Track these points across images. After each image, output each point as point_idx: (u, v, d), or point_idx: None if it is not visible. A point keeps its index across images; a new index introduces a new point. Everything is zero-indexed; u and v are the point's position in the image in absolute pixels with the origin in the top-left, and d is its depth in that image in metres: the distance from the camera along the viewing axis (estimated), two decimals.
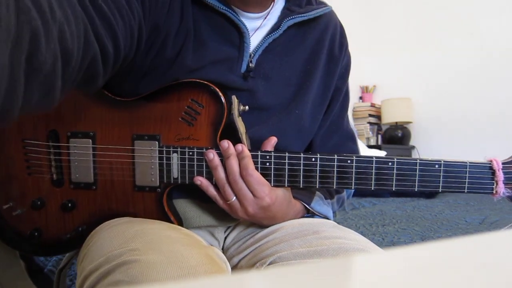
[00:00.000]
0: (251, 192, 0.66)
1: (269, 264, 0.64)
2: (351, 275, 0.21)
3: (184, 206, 0.75)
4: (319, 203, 0.77)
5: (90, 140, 0.71)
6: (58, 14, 0.47)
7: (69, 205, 0.73)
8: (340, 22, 0.87)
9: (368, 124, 4.02)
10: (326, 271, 0.21)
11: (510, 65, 3.42)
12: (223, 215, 0.74)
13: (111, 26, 0.58)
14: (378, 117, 4.13)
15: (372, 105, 4.07)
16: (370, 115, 4.05)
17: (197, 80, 0.69)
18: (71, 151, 0.72)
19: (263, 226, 0.74)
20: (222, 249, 0.78)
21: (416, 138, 4.00)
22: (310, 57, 0.80)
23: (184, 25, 0.71)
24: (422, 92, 3.94)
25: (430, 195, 2.32)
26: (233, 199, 0.67)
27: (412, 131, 4.00)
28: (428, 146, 3.91)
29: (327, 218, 0.79)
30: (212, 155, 0.67)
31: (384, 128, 4.14)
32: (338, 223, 0.75)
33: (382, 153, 3.35)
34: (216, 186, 0.68)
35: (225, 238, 0.78)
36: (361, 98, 4.25)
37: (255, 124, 0.74)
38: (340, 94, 0.85)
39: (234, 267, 0.72)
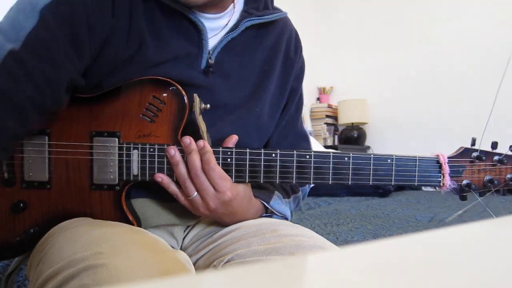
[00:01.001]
0: (213, 186, 0.66)
1: (226, 263, 0.64)
2: (306, 273, 0.21)
3: (142, 205, 0.74)
4: (277, 202, 0.78)
5: (46, 137, 0.69)
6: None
7: (20, 205, 0.69)
8: (295, 29, 0.91)
9: (325, 125, 4.09)
10: (283, 268, 0.21)
11: (460, 68, 3.58)
12: (182, 214, 0.74)
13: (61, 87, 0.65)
14: (335, 117, 4.21)
15: (329, 106, 4.14)
16: (327, 116, 4.12)
17: (159, 78, 0.69)
18: (24, 148, 0.69)
19: (223, 225, 0.74)
20: (181, 248, 0.77)
21: (371, 138, 4.11)
22: (268, 57, 0.82)
23: (136, 24, 0.71)
24: (377, 94, 4.05)
25: (383, 194, 2.39)
26: (195, 195, 0.67)
27: (368, 132, 4.11)
28: (383, 146, 4.03)
29: (285, 218, 0.80)
30: (174, 151, 0.67)
31: (340, 128, 4.22)
32: (294, 223, 0.76)
33: None
34: (177, 183, 0.68)
35: (184, 237, 0.78)
36: (318, 99, 4.31)
37: (216, 123, 0.75)
38: (295, 95, 0.88)
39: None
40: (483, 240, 0.28)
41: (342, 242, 1.29)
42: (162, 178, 0.68)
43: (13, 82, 0.60)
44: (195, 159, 0.66)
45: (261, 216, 0.78)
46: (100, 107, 0.70)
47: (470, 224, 0.30)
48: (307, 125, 4.01)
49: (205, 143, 0.66)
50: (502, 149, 0.75)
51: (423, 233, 0.27)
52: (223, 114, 0.76)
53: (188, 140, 0.66)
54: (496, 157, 0.75)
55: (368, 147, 4.08)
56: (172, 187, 0.68)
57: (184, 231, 0.78)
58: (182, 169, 0.67)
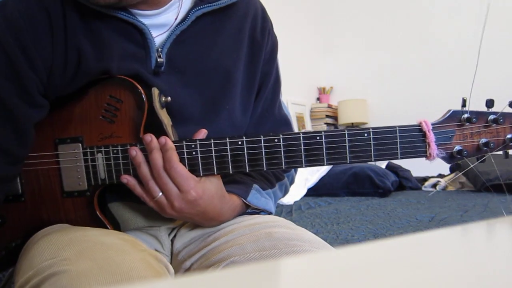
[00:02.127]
0: (176, 186, 0.63)
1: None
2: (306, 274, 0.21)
3: (120, 208, 0.73)
4: (256, 197, 0.74)
5: None
6: None
7: None
8: (261, 5, 0.83)
9: (325, 125, 4.09)
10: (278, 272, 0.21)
11: (463, 68, 3.57)
12: (160, 215, 0.71)
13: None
14: (335, 117, 4.21)
15: (329, 106, 4.14)
16: (327, 116, 4.13)
17: (114, 76, 0.67)
18: None
19: (203, 226, 0.72)
20: (171, 252, 0.75)
21: None
22: (233, 45, 0.76)
23: (71, 38, 0.67)
24: (377, 94, 4.05)
25: (384, 194, 2.38)
26: (159, 195, 0.64)
27: None
28: None
29: (266, 211, 0.77)
30: (135, 152, 0.64)
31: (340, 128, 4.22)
32: (294, 222, 0.76)
33: None
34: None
35: (173, 241, 0.76)
36: (318, 99, 4.31)
37: (186, 122, 0.72)
38: (269, 79, 0.82)
39: (187, 271, 0.70)
40: (483, 240, 0.28)
41: (342, 241, 1.30)
42: (127, 179, 0.66)
43: None
44: (157, 157, 0.63)
45: (245, 213, 0.75)
46: (60, 114, 0.69)
47: (470, 224, 0.30)
48: (307, 125, 4.01)
49: (166, 139, 0.63)
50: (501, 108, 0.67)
51: (423, 233, 0.27)
52: (190, 114, 0.73)
53: (149, 138, 0.63)
54: (490, 117, 0.66)
55: None
56: (138, 189, 0.65)
57: (170, 234, 0.76)
58: (144, 169, 0.64)
